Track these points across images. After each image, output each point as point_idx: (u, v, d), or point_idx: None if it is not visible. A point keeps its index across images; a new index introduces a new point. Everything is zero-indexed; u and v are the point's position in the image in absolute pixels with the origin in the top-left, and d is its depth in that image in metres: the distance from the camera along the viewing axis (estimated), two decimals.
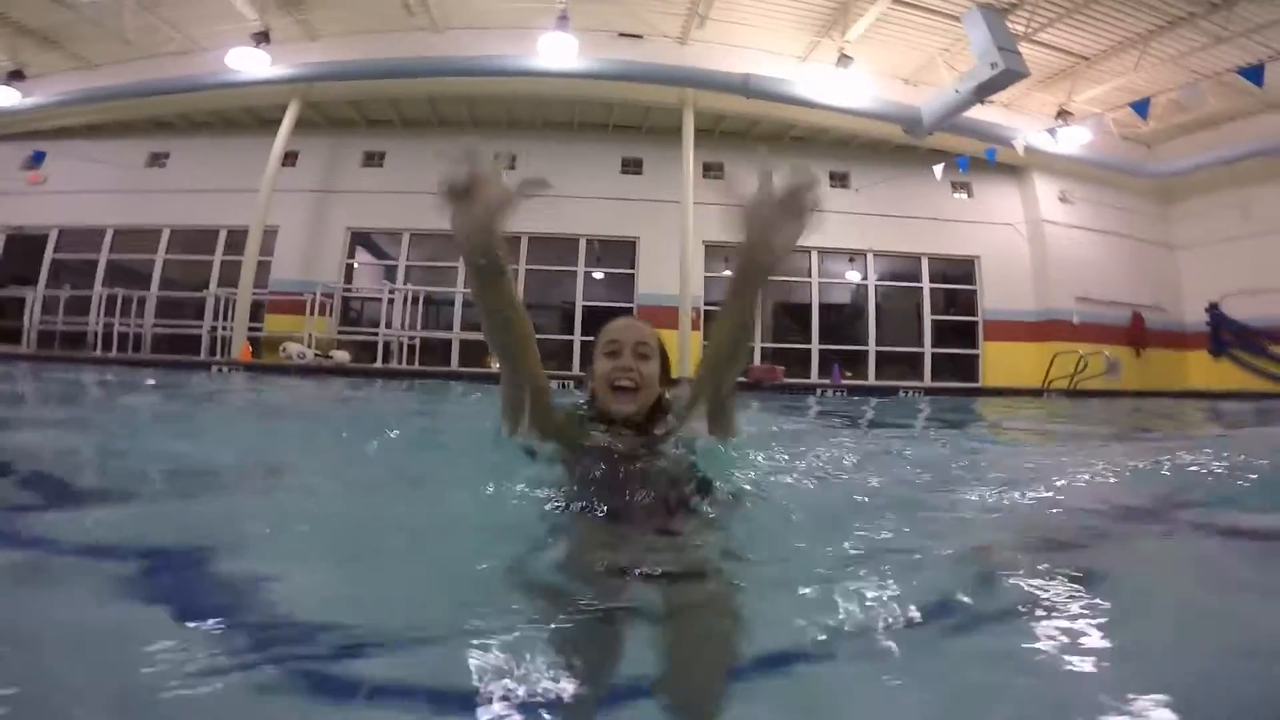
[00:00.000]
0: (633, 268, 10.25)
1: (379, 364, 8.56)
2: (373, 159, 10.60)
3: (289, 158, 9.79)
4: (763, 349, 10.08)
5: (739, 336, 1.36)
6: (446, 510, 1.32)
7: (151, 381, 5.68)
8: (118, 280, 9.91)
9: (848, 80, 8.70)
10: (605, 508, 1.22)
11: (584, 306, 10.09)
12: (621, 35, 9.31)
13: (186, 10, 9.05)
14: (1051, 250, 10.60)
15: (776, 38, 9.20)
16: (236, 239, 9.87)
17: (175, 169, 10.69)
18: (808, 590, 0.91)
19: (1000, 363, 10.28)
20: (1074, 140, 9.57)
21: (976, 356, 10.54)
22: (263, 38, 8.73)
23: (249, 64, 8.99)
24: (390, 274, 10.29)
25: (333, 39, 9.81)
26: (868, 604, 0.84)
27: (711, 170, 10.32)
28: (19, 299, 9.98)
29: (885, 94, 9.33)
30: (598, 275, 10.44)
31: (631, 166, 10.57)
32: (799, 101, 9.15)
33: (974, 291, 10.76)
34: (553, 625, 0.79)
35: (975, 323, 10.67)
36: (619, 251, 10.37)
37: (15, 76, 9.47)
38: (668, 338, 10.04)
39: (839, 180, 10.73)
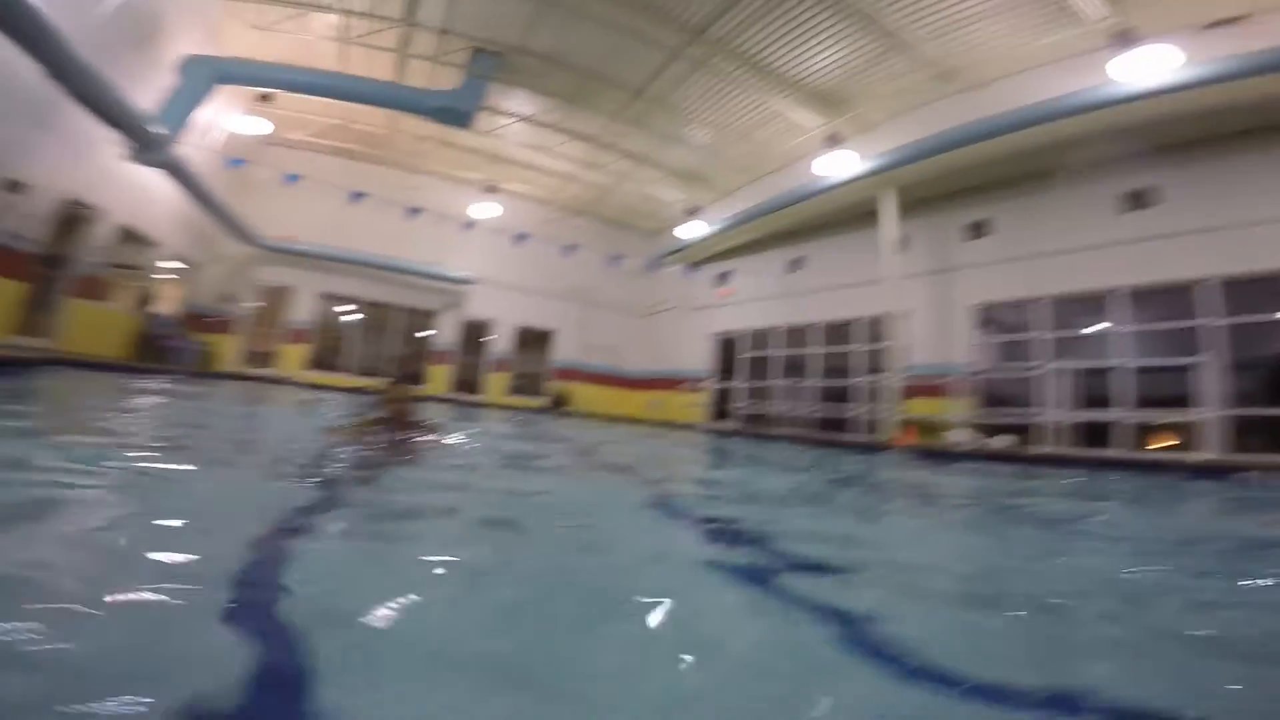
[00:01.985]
0: None
1: (1040, 448, 8.14)
2: (978, 229, 10.57)
3: (900, 243, 10.62)
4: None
5: None
6: None
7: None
8: (786, 371, 13.28)
9: None
10: None
11: None
12: (1214, 25, 7.55)
13: (768, 130, 11.95)
14: None
15: None
16: (867, 328, 11.65)
17: (811, 271, 13.34)
18: None
19: None
20: None
21: None
22: (835, 140, 10.27)
23: (833, 166, 10.65)
24: (1027, 348, 9.61)
25: (888, 125, 10.87)
26: None
27: None
28: (727, 389, 14.83)
29: None
30: None
31: None
32: None
33: None
34: None
35: None
36: None
37: (691, 213, 14.11)
38: None
39: None
